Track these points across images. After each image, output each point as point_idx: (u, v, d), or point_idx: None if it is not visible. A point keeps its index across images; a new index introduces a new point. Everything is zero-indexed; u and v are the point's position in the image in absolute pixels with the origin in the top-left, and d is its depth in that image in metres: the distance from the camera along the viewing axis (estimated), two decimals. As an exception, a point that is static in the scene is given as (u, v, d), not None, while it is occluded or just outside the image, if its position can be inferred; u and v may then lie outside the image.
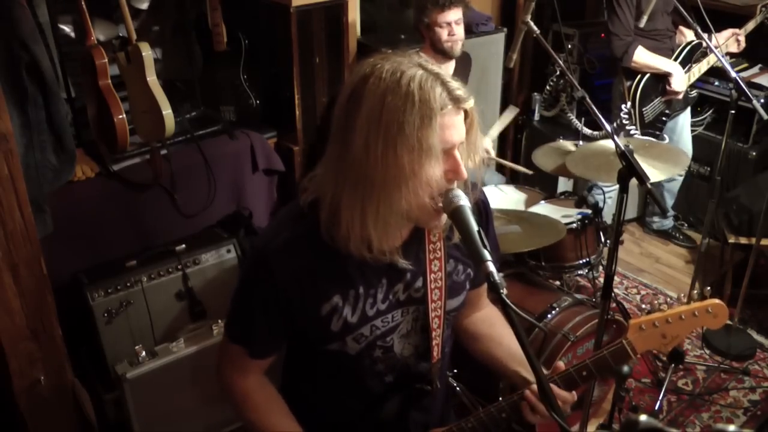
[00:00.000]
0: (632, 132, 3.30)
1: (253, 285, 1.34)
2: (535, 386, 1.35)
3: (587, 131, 3.75)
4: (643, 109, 3.33)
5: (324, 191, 1.25)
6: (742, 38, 3.28)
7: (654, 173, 2.36)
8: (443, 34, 2.87)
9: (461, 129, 1.19)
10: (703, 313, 1.37)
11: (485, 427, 1.41)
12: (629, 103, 3.33)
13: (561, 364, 1.41)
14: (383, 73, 1.16)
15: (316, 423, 1.47)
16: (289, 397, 1.47)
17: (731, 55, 3.42)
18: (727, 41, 3.27)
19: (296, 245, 1.27)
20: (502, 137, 4.20)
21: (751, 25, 3.28)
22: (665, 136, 3.42)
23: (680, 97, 3.34)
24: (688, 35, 3.45)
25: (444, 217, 1.22)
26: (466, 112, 1.20)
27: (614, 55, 3.29)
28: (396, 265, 1.31)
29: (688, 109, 3.61)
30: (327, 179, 1.24)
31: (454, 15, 2.84)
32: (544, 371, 1.28)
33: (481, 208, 1.41)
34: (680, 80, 3.27)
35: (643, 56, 3.23)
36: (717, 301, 1.37)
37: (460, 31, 2.90)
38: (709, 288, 1.46)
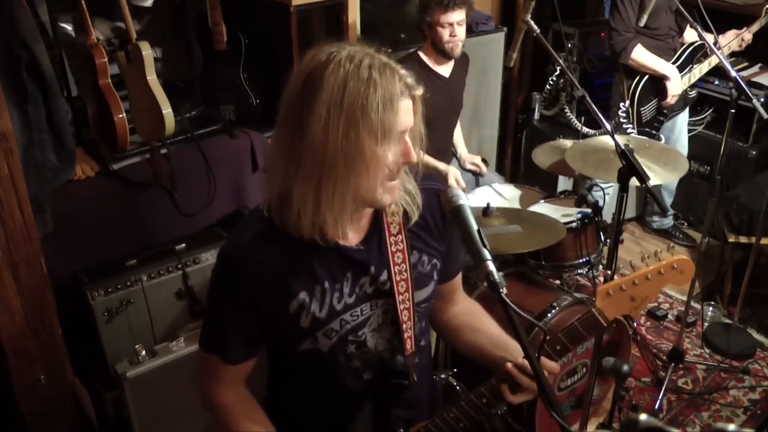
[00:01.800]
0: (629, 131, 3.30)
1: (221, 288, 1.35)
2: (512, 363, 1.37)
3: (587, 130, 3.75)
4: (641, 109, 3.33)
5: (273, 174, 1.25)
6: (748, 36, 3.27)
7: (652, 177, 2.35)
8: (445, 34, 2.86)
9: (410, 115, 1.23)
10: (668, 270, 1.34)
11: (467, 415, 1.42)
12: (627, 102, 3.33)
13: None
14: (341, 59, 1.18)
15: (301, 429, 1.47)
16: (273, 406, 1.48)
17: (733, 54, 3.41)
18: (730, 42, 3.27)
19: (259, 245, 1.29)
20: (502, 136, 4.20)
21: (755, 27, 3.28)
22: (662, 135, 3.42)
23: (674, 102, 3.34)
24: (688, 38, 3.45)
25: (396, 194, 1.26)
26: (414, 99, 1.24)
27: (613, 51, 3.29)
28: (358, 259, 1.33)
29: (687, 109, 3.61)
30: (276, 163, 1.25)
31: (457, 16, 2.83)
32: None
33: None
34: (676, 84, 3.27)
35: (641, 54, 3.23)
36: (683, 256, 1.35)
37: (461, 32, 2.90)
38: (674, 246, 1.45)
